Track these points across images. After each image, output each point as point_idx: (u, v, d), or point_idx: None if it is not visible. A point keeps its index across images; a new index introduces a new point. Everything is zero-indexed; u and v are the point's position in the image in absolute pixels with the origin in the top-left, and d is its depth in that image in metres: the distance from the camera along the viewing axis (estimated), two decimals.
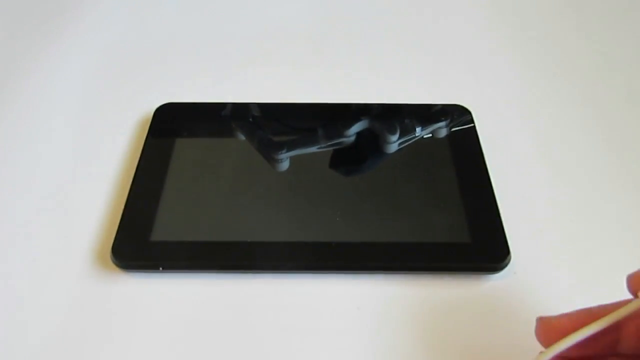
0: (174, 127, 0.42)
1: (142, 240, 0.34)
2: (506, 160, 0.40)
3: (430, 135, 0.41)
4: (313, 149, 0.40)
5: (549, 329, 0.26)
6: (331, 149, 0.40)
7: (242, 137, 0.41)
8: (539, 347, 0.26)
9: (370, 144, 0.41)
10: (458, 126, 0.41)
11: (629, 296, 0.26)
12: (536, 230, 0.36)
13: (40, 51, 0.49)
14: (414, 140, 0.40)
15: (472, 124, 0.41)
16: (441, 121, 0.41)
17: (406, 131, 0.41)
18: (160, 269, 0.34)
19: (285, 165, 0.39)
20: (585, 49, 0.49)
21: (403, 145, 0.40)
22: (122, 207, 0.36)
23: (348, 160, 0.40)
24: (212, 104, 0.43)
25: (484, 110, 0.43)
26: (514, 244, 0.34)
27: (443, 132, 0.41)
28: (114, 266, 0.34)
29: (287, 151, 0.40)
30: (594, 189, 0.38)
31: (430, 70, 0.48)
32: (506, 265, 0.33)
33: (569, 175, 0.39)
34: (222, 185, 0.38)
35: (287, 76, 0.47)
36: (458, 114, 0.42)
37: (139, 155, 0.39)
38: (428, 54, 0.49)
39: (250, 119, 0.43)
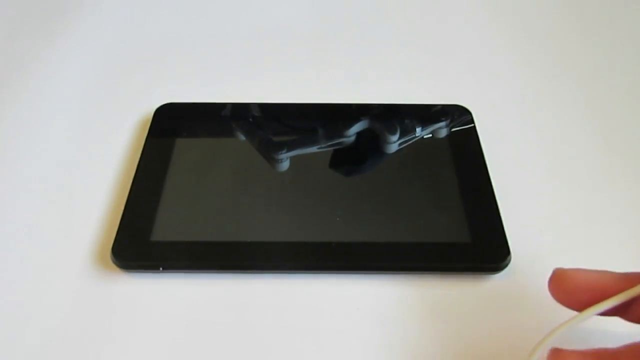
0: (174, 127, 0.42)
1: (142, 240, 0.34)
2: (506, 160, 0.40)
3: (430, 135, 0.41)
4: (313, 149, 0.40)
5: (562, 282, 0.28)
6: (331, 149, 0.40)
7: (242, 137, 0.41)
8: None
9: (371, 144, 0.41)
10: (458, 126, 0.41)
11: None
12: (536, 230, 0.36)
13: (41, 51, 0.49)
14: (414, 140, 0.40)
15: (472, 124, 0.41)
16: (441, 121, 0.41)
17: (406, 131, 0.41)
18: (161, 269, 0.34)
19: (285, 165, 0.39)
20: (585, 49, 0.49)
21: (403, 146, 0.40)
22: (122, 207, 0.36)
23: (348, 160, 0.40)
24: (212, 104, 0.43)
25: (484, 110, 0.43)
26: (514, 244, 0.34)
27: (443, 132, 0.41)
28: (114, 266, 0.34)
29: (287, 151, 0.40)
30: (594, 189, 0.38)
31: (430, 70, 0.48)
32: (506, 265, 0.33)
33: (569, 175, 0.39)
34: (222, 185, 0.38)
35: (287, 76, 0.47)
36: (458, 114, 0.42)
37: (139, 155, 0.39)
38: (428, 54, 0.49)
39: (250, 119, 0.43)
